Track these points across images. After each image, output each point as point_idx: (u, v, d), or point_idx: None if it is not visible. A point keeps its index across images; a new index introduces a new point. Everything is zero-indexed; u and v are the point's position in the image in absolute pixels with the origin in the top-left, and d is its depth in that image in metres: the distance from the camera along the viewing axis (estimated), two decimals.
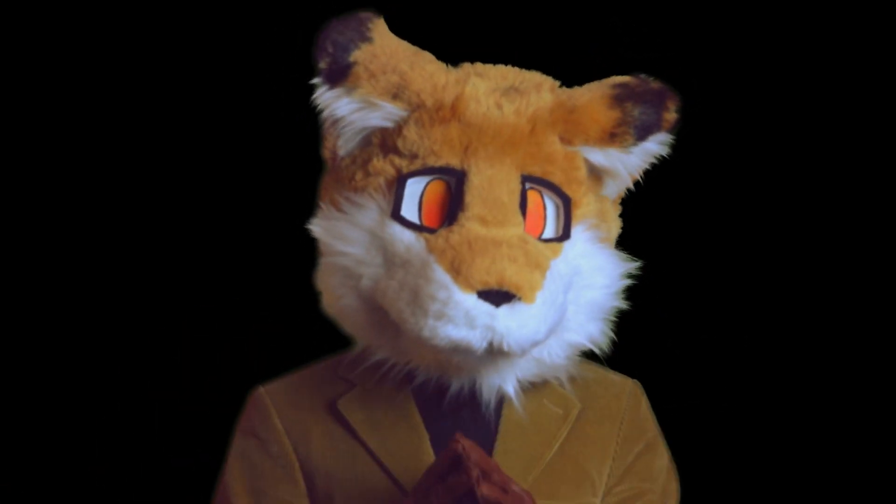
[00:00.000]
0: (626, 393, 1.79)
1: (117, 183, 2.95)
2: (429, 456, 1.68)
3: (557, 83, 1.75)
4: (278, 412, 1.76)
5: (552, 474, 1.71)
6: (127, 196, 2.96)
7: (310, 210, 2.99)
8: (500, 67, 1.75)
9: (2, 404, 2.94)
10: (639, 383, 1.83)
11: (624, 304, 1.75)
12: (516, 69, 1.75)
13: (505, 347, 1.58)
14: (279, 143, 2.93)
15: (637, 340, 1.83)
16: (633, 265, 1.75)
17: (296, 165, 2.96)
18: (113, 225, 2.96)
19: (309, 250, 2.98)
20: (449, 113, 1.65)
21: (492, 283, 1.56)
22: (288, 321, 2.96)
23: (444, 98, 1.66)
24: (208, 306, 2.96)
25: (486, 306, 1.57)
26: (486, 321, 1.57)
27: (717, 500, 2.72)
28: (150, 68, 2.93)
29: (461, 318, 1.57)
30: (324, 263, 1.74)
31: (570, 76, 1.77)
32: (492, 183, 1.63)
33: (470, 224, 1.61)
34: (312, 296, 2.97)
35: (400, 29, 1.76)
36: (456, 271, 1.57)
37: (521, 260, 1.59)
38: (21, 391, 2.94)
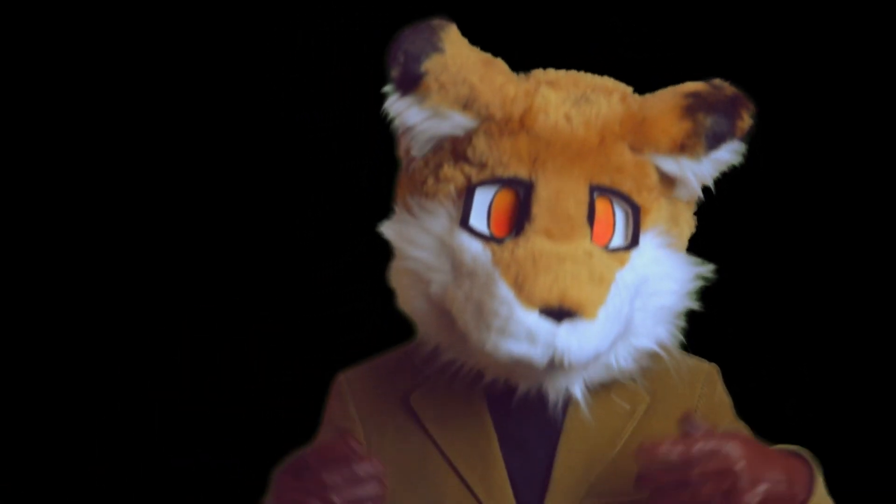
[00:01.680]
0: (700, 381, 1.80)
1: (118, 183, 2.96)
2: (497, 458, 1.71)
3: (630, 90, 1.74)
4: (355, 401, 1.79)
5: (615, 473, 1.73)
6: (127, 196, 2.96)
7: (310, 210, 2.99)
8: (573, 74, 1.74)
9: (2, 404, 2.94)
10: (716, 367, 1.83)
11: (695, 305, 1.75)
12: (589, 75, 1.75)
13: (566, 363, 1.60)
14: (279, 143, 2.94)
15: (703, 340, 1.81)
16: (704, 269, 1.75)
17: (296, 165, 2.96)
18: (113, 225, 2.96)
19: (309, 251, 2.99)
20: (517, 125, 1.66)
21: (553, 301, 1.58)
22: (288, 321, 2.97)
23: (513, 111, 1.67)
24: (208, 306, 2.96)
25: (547, 323, 1.58)
26: (547, 338, 1.59)
27: None
28: (148, 67, 2.94)
29: (522, 335, 1.59)
30: (395, 265, 1.74)
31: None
32: (559, 195, 1.64)
33: (536, 237, 1.62)
34: (312, 296, 2.98)
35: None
36: (519, 287, 1.59)
37: (584, 276, 1.60)
38: (21, 391, 2.94)
